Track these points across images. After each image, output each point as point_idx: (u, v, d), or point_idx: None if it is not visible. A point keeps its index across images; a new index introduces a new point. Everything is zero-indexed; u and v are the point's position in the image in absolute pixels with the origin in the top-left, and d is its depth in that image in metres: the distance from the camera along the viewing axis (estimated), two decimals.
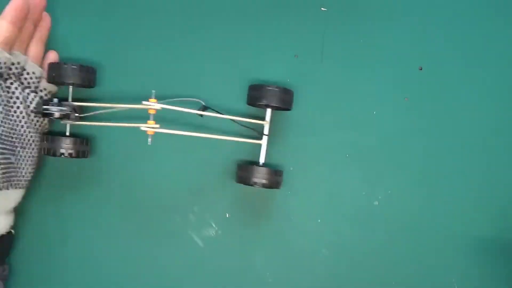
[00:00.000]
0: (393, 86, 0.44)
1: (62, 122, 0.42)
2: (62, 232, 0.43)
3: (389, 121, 0.44)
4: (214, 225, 0.43)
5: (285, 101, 0.40)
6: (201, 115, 0.40)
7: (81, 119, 0.41)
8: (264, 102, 0.40)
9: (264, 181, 0.40)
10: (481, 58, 0.45)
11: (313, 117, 0.44)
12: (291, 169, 0.44)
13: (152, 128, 0.39)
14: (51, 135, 0.40)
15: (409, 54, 0.45)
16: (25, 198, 0.42)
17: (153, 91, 0.39)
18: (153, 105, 0.38)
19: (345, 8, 0.45)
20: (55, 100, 0.41)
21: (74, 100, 0.41)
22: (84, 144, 0.41)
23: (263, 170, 0.40)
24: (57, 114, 0.40)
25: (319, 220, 0.44)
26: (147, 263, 0.43)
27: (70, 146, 0.40)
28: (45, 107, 0.40)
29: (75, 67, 0.39)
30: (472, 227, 0.44)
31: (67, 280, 0.43)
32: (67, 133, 0.41)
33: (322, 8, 0.45)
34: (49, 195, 0.43)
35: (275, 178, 0.40)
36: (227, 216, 0.43)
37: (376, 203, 0.44)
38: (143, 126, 0.39)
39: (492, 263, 0.43)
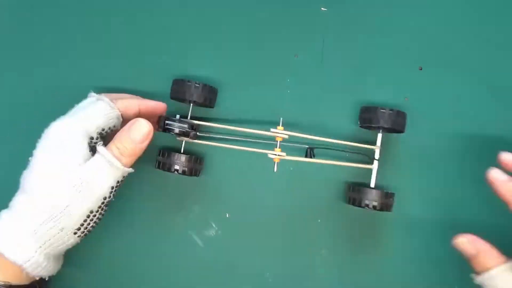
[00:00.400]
0: (393, 86, 0.44)
1: (178, 139, 0.42)
2: None
3: None
4: (214, 225, 0.43)
5: (397, 123, 0.40)
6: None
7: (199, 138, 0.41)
8: (375, 124, 0.40)
9: (375, 203, 0.39)
10: (481, 58, 0.45)
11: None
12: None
13: (279, 156, 0.39)
14: (167, 150, 0.40)
15: (409, 54, 0.45)
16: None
17: (281, 118, 0.40)
18: (281, 133, 0.39)
19: (345, 8, 0.45)
20: (177, 116, 0.41)
21: (192, 118, 0.41)
22: (198, 163, 0.41)
23: (374, 192, 0.40)
24: (176, 130, 0.39)
25: (319, 220, 0.44)
26: (147, 262, 0.43)
27: (184, 163, 0.40)
28: (167, 122, 0.39)
29: (198, 85, 0.40)
30: (472, 227, 0.44)
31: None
32: (182, 150, 0.42)
33: (322, 8, 0.45)
34: None
35: (386, 200, 0.40)
36: (227, 216, 0.43)
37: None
38: (270, 153, 0.39)
39: None
